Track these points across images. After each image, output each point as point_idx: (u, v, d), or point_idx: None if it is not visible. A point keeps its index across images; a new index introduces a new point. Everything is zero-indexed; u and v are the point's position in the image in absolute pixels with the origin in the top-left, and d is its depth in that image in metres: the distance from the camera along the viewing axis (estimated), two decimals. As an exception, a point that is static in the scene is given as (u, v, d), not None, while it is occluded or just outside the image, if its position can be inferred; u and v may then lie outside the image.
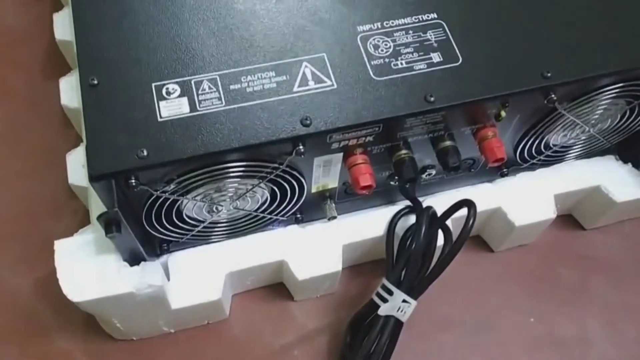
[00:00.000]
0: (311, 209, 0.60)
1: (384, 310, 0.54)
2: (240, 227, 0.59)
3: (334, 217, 0.60)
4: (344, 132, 0.50)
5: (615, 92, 0.55)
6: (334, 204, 0.60)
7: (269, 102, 0.50)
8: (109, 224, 0.47)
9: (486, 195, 0.63)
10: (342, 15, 0.54)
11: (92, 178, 0.46)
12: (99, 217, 0.46)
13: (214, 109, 0.49)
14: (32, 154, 0.72)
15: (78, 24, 0.52)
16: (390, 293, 0.55)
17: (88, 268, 0.52)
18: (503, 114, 0.53)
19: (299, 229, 0.61)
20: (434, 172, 0.60)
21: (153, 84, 0.50)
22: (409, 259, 0.56)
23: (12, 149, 0.72)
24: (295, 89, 0.51)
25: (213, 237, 0.59)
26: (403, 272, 0.56)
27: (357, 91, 0.50)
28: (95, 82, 0.50)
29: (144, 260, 0.54)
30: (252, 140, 0.48)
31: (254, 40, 0.53)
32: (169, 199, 0.51)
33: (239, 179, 0.52)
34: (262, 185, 0.54)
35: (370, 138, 0.52)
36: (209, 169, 0.49)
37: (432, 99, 0.50)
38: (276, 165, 0.51)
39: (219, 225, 0.59)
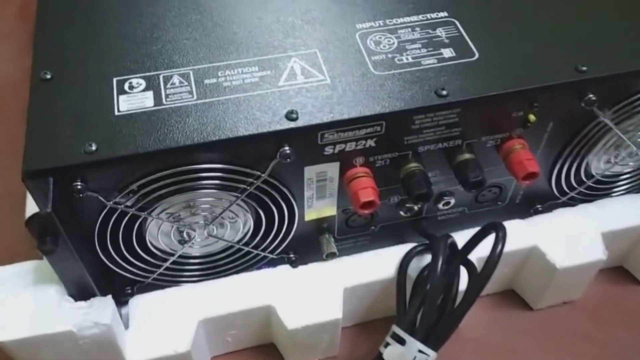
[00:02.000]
0: (306, 247, 0.50)
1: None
2: (219, 265, 0.49)
3: (334, 254, 0.50)
4: (338, 130, 0.41)
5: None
6: (332, 239, 0.50)
7: (249, 95, 0.42)
8: (42, 233, 0.38)
9: (519, 232, 0.52)
10: (338, 14, 0.48)
11: (26, 174, 0.37)
12: (27, 221, 0.37)
13: (182, 103, 0.41)
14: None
15: (40, 19, 0.46)
16: (402, 342, 0.43)
17: (20, 301, 0.42)
18: (532, 117, 0.44)
19: (291, 269, 0.50)
20: (452, 200, 0.50)
21: (115, 78, 0.43)
22: (425, 299, 0.44)
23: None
24: (282, 83, 0.43)
25: (185, 276, 0.49)
26: (418, 317, 0.45)
27: (354, 86, 0.43)
28: (49, 76, 0.43)
29: (94, 295, 0.44)
30: (223, 134, 0.39)
31: (236, 37, 0.46)
32: (126, 214, 0.42)
33: (212, 192, 0.43)
34: (242, 205, 0.45)
35: (372, 143, 0.43)
36: (174, 174, 0.40)
37: (444, 92, 0.42)
38: (257, 174, 0.42)
39: (192, 261, 0.49)
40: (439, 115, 0.42)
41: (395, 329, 0.44)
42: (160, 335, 0.46)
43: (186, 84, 0.43)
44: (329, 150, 0.42)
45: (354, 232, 0.51)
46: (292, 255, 0.51)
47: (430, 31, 0.46)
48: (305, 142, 0.41)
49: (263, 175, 0.42)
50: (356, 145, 0.43)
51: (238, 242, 0.48)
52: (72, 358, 0.43)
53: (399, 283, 0.48)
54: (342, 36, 0.46)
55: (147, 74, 0.43)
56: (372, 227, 0.51)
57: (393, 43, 0.46)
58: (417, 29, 0.47)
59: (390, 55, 0.45)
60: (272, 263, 0.50)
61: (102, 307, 0.43)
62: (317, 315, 0.47)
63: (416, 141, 0.44)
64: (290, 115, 0.40)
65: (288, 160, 0.41)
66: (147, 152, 0.39)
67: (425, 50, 0.45)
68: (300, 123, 0.40)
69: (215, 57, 0.44)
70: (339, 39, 0.46)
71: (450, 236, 0.47)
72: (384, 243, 0.52)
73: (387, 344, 0.44)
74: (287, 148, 0.41)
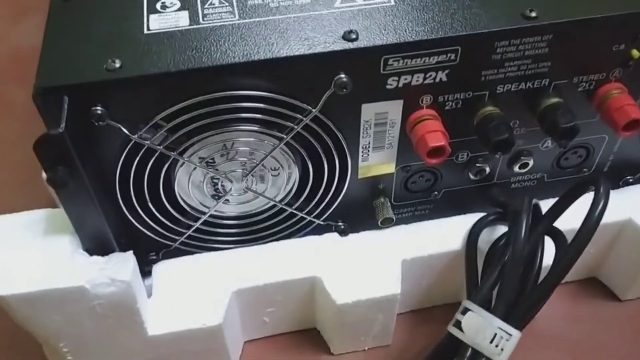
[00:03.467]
0: (357, 215, 0.43)
1: (469, 338, 0.35)
2: (258, 229, 0.42)
3: (390, 220, 0.43)
4: (405, 56, 0.34)
5: None
6: (389, 203, 0.43)
7: (300, 16, 0.36)
8: (53, 160, 0.32)
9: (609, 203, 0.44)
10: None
11: (37, 91, 0.32)
12: (36, 143, 0.31)
13: (222, 22, 0.36)
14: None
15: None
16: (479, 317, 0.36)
17: (27, 252, 0.36)
18: (636, 53, 0.37)
19: (341, 238, 0.43)
20: (531, 162, 0.43)
21: (146, -1, 0.37)
22: (503, 272, 0.37)
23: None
24: (338, 4, 0.37)
25: (218, 241, 0.42)
26: (494, 293, 0.37)
27: (424, 8, 0.36)
28: (69, -5, 0.37)
29: (113, 251, 0.38)
30: (267, 54, 0.33)
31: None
32: (153, 153, 0.36)
33: (252, 131, 0.36)
34: (287, 152, 0.38)
35: (443, 76, 0.36)
36: (208, 103, 0.34)
37: (533, 14, 0.35)
38: (307, 109, 0.35)
39: (227, 222, 0.42)
40: (525, 43, 0.35)
41: (468, 303, 0.37)
42: (188, 306, 0.39)
43: (227, 4, 0.37)
44: (392, 82, 0.36)
45: (414, 197, 0.44)
46: (340, 224, 0.44)
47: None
48: (366, 70, 0.35)
49: (314, 110, 0.35)
50: (424, 79, 0.36)
51: (280, 201, 0.41)
52: (84, 324, 0.36)
53: (469, 255, 0.41)
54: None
55: (183, -6, 0.37)
56: (435, 193, 0.44)
57: (471, -34, 0.39)
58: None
59: (466, -22, 0.38)
60: (318, 230, 0.44)
61: (121, 263, 0.36)
62: (371, 289, 0.40)
63: (496, 77, 0.37)
64: (348, 36, 0.34)
65: (344, 90, 0.34)
66: (179, 70, 0.33)
67: (512, -28, 0.38)
68: (360, 44, 0.34)
69: (261, -21, 0.38)
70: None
71: (534, 199, 0.39)
72: (446, 213, 0.45)
73: (458, 324, 0.36)
74: (343, 76, 0.34)
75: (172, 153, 0.36)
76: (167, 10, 0.36)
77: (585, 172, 0.45)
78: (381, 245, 0.42)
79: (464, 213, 0.45)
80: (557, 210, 0.39)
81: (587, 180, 0.36)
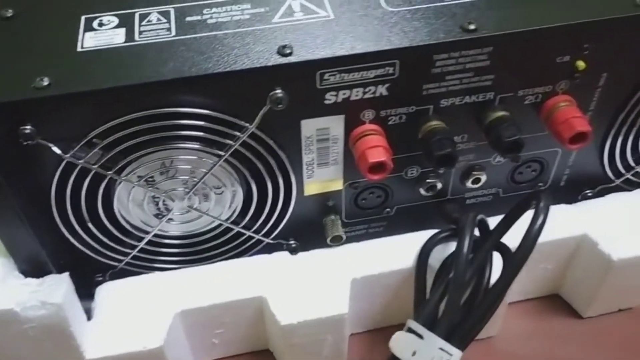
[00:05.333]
0: (309, 232, 0.42)
1: (409, 358, 0.34)
2: (204, 248, 0.42)
3: (339, 238, 0.42)
4: (341, 69, 0.34)
5: None
6: (339, 220, 0.42)
7: (237, 32, 0.35)
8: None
9: (565, 218, 0.43)
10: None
11: (-39, 111, 0.31)
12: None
13: (157, 39, 0.35)
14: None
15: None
16: (420, 338, 0.35)
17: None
18: (581, 64, 0.37)
19: (289, 256, 0.42)
20: (483, 177, 0.42)
21: (83, 16, 0.37)
22: (448, 289, 0.36)
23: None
24: (276, 19, 0.36)
25: (165, 261, 0.41)
26: (440, 310, 0.36)
27: (362, 22, 0.36)
28: (9, 14, 0.37)
29: (50, 273, 0.37)
30: (200, 71, 0.33)
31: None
32: (88, 172, 0.35)
33: (190, 149, 0.36)
34: (228, 170, 0.37)
35: (383, 90, 0.35)
36: (143, 121, 0.34)
37: (472, 26, 0.34)
38: (244, 125, 0.35)
39: (171, 242, 0.41)
40: (465, 56, 0.35)
41: (411, 323, 0.36)
42: (129, 328, 0.38)
43: (165, 20, 0.36)
44: (330, 97, 0.35)
45: (366, 214, 0.43)
46: (291, 242, 0.43)
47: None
48: (302, 85, 0.34)
49: (250, 127, 0.35)
50: (364, 93, 0.35)
51: (226, 220, 0.40)
52: (21, 347, 0.35)
53: (418, 273, 0.40)
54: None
55: (122, 11, 0.37)
56: (387, 210, 0.43)
57: (415, -21, 0.39)
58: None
59: (408, -8, 0.38)
60: (268, 249, 0.43)
61: (54, 285, 0.35)
62: (318, 309, 0.39)
63: (438, 91, 0.36)
64: (282, 50, 0.33)
65: (280, 106, 0.34)
66: (108, 87, 0.32)
67: (455, -15, 0.38)
68: (294, 59, 0.33)
69: (201, -5, 0.38)
70: (349, -23, 0.39)
71: (480, 214, 0.39)
72: (402, 229, 0.44)
73: (400, 342, 0.35)
74: (279, 91, 0.33)
75: (108, 172, 0.35)
76: (104, 27, 0.36)
77: (542, 187, 0.45)
78: (331, 264, 0.41)
79: (421, 229, 0.44)
80: (504, 226, 0.38)
81: (529, 196, 0.36)
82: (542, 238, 0.42)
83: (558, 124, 0.37)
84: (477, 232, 0.39)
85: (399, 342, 0.35)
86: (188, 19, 0.36)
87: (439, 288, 0.36)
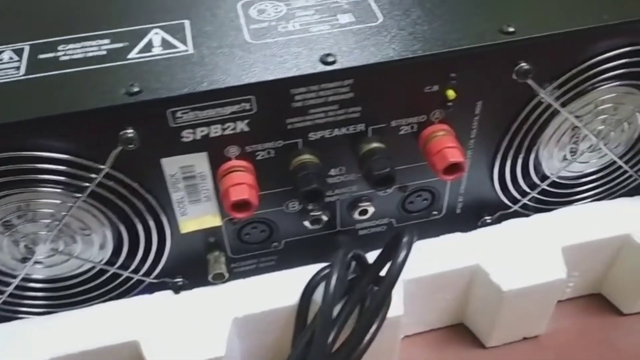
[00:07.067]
0: (197, 269, 0.41)
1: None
2: (79, 291, 0.40)
3: (222, 276, 0.40)
4: (194, 107, 0.33)
5: (620, 67, 0.37)
6: (223, 257, 0.41)
7: (88, 70, 0.34)
8: None
9: (457, 248, 0.42)
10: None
11: None
12: None
13: (4, 79, 0.33)
14: None
15: None
16: (287, 386, 0.33)
17: None
18: (451, 93, 0.35)
19: (171, 296, 0.41)
20: (371, 209, 0.41)
21: None
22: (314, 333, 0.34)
23: None
24: (132, 55, 0.35)
25: (35, 305, 0.40)
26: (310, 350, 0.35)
27: (223, 57, 0.34)
28: None
29: None
30: (44, 112, 0.31)
31: (93, 7, 0.39)
32: None
33: (46, 192, 0.34)
34: (92, 212, 0.36)
35: (244, 126, 0.34)
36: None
37: (331, 59, 0.33)
38: (99, 167, 0.33)
39: (45, 286, 0.39)
40: (326, 89, 0.34)
41: (283, 366, 0.34)
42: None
43: (17, 58, 0.35)
44: (188, 135, 0.34)
45: (253, 249, 0.42)
46: (178, 280, 0.41)
47: (330, -3, 0.38)
48: (153, 123, 0.33)
49: (105, 168, 0.33)
50: (223, 130, 0.34)
51: (100, 261, 0.39)
52: None
53: (300, 313, 0.38)
54: (220, 6, 0.38)
55: (-27, 50, 0.35)
56: (275, 244, 0.42)
57: (281, 10, 0.37)
58: (314, -5, 0.39)
59: (273, 23, 0.36)
60: (152, 288, 0.41)
61: None
62: (195, 352, 0.37)
63: (303, 125, 0.35)
64: (130, 89, 0.32)
65: (131, 146, 0.32)
66: (-62, 133, 0.30)
67: (319, 16, 0.37)
68: (142, 97, 0.32)
69: (60, 31, 0.37)
70: (217, 9, 0.38)
71: (356, 251, 0.37)
72: (297, 263, 0.42)
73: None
74: (130, 130, 0.32)
75: (-43, 218, 0.34)
76: (-48, 67, 0.34)
77: (436, 215, 0.44)
78: (213, 303, 0.40)
79: (319, 262, 0.42)
80: (382, 261, 0.36)
81: (399, 232, 0.34)
82: (436, 269, 0.42)
83: (432, 155, 0.36)
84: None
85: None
86: (41, 56, 0.35)
87: (307, 333, 0.35)
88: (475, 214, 0.44)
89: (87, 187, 0.34)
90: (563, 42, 0.35)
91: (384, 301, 0.33)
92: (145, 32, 0.36)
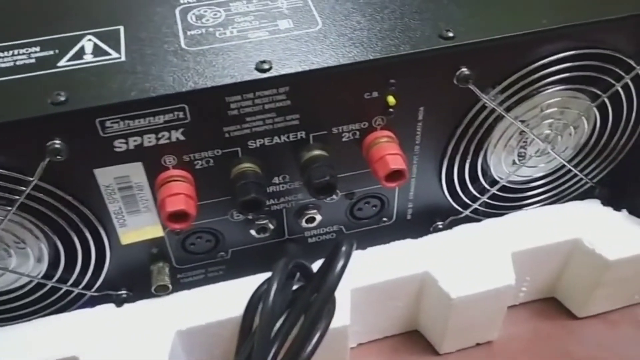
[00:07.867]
0: (142, 281, 0.40)
1: None
2: (17, 305, 0.39)
3: (165, 288, 0.39)
4: (123, 117, 0.32)
5: (563, 72, 0.37)
6: (167, 268, 0.40)
7: (15, 79, 0.33)
8: None
9: (406, 255, 0.42)
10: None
11: None
12: None
13: None
14: None
15: None
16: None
17: None
18: (391, 99, 0.35)
19: (112, 309, 0.40)
20: (318, 216, 0.40)
21: None
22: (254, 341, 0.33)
23: None
24: (62, 63, 0.34)
25: (-26, 321, 0.39)
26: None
27: (156, 64, 0.33)
28: None
29: None
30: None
31: (24, 11, 0.37)
32: None
33: (-28, 206, 0.33)
34: (23, 225, 0.35)
35: (179, 135, 0.33)
36: None
37: (266, 66, 0.32)
38: (28, 179, 0.32)
39: (-19, 300, 0.38)
40: (262, 97, 0.33)
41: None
42: None
43: (-59, 69, 0.34)
44: (120, 145, 0.33)
45: (199, 259, 0.41)
46: (122, 293, 0.40)
47: (270, 2, 0.38)
48: (83, 134, 0.32)
49: (33, 179, 0.32)
50: (158, 139, 0.33)
51: (37, 275, 0.37)
52: None
53: (244, 325, 0.38)
54: (157, 12, 0.37)
55: None
56: (222, 254, 0.41)
57: (219, 16, 0.37)
58: (254, 0, 0.38)
59: (211, 29, 0.36)
60: (95, 302, 0.40)
61: None
62: (135, 367, 0.36)
63: (241, 133, 0.34)
64: (56, 99, 0.31)
65: (59, 157, 0.31)
66: None
67: (258, 22, 0.36)
68: (68, 107, 0.31)
69: (-8, 38, 0.35)
70: (154, 15, 0.37)
71: (296, 259, 0.36)
72: (246, 272, 0.41)
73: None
74: (57, 141, 0.31)
75: None
76: None
77: (387, 222, 0.43)
78: (155, 316, 0.39)
79: (269, 270, 0.41)
80: (325, 270, 0.36)
81: (339, 241, 0.34)
82: (385, 277, 0.41)
83: (374, 162, 0.35)
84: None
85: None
86: (-34, 66, 0.34)
87: (250, 342, 0.34)
88: (426, 220, 0.44)
89: (17, 199, 0.33)
90: (503, 46, 0.34)
91: (321, 312, 0.32)
92: (77, 39, 0.35)
